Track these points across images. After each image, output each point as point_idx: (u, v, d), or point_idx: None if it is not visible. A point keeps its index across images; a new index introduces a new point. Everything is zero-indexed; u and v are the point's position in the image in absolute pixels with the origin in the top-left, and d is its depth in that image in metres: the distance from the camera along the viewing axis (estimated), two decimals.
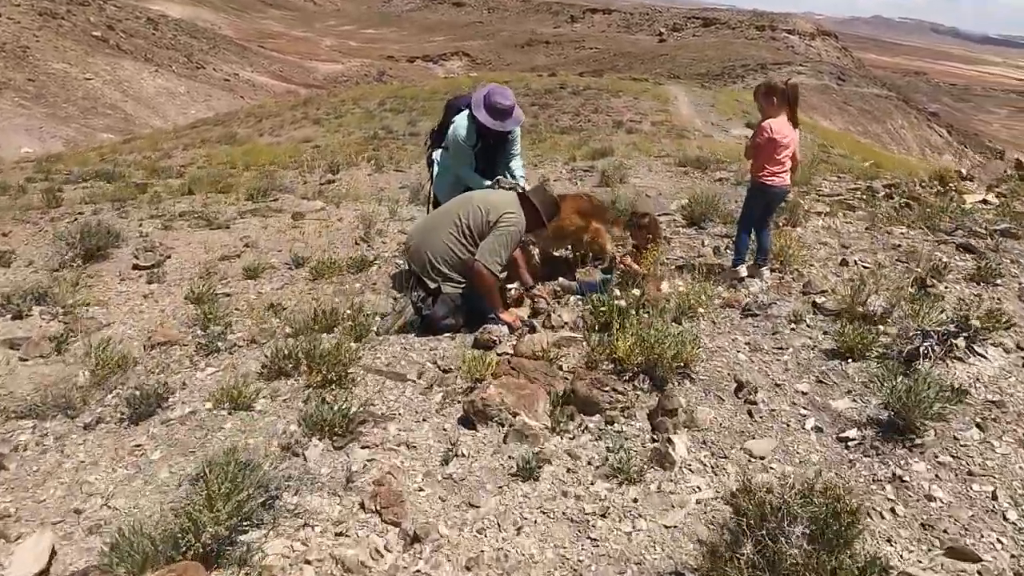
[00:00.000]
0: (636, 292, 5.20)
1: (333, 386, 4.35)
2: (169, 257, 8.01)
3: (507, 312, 5.24)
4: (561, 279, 6.26)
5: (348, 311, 5.66)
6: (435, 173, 6.39)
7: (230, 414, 4.15)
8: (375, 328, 5.30)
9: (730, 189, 11.30)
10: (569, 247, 6.74)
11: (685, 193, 12.32)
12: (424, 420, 4.04)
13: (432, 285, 5.20)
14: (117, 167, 19.51)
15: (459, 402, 4.16)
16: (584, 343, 4.78)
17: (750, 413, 4.03)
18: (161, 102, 50.32)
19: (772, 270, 5.86)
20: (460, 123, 6.05)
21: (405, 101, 28.92)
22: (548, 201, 5.47)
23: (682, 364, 4.29)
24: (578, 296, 5.92)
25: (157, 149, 24.11)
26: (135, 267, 7.76)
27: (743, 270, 5.89)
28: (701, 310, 5.16)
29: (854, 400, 4.11)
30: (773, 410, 4.07)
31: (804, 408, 4.09)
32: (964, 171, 12.93)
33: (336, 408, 3.87)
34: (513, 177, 6.14)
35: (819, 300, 5.20)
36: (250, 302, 6.47)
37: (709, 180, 13.06)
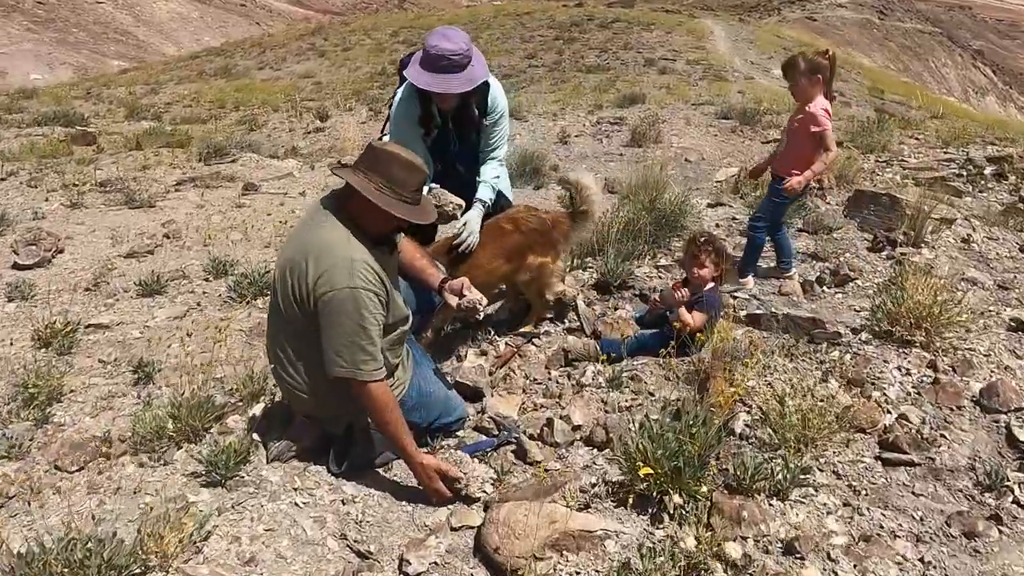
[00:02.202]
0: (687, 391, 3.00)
1: None
2: (61, 252, 5.88)
3: (426, 461, 2.78)
4: (570, 338, 4.06)
5: (240, 395, 3.55)
6: None
7: None
8: (266, 451, 3.13)
9: None
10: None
11: (734, 158, 9.95)
12: None
13: (332, 428, 3.03)
14: (92, 103, 17.31)
15: None
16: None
17: None
18: (174, 28, 47.34)
19: (911, 343, 3.57)
20: (398, 96, 3.82)
21: (419, 32, 26.02)
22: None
23: None
24: (597, 364, 3.75)
25: (149, 82, 21.75)
26: (15, 266, 5.66)
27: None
28: (815, 460, 2.93)
29: None
30: None
31: None
32: None
33: None
34: (475, 188, 3.87)
35: (1019, 430, 2.96)
36: (120, 347, 4.34)
37: (760, 140, 10.61)
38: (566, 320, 4.30)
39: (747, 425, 3.10)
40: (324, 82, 19.78)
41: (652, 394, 3.48)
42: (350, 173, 2.70)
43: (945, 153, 9.04)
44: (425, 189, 3.77)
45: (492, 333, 4.06)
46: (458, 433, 3.26)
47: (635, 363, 3.79)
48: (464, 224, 3.75)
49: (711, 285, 3.78)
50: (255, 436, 3.15)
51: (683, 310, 3.68)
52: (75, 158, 8.89)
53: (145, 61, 37.63)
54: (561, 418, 3.28)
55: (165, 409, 3.25)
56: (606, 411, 3.39)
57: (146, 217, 6.65)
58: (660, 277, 4.67)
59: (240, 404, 3.57)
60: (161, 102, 17.62)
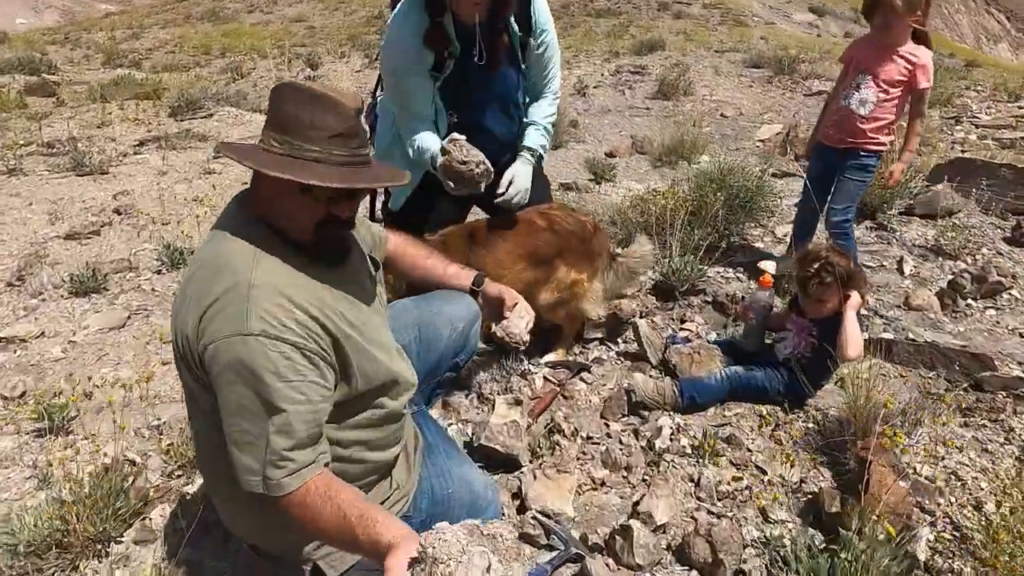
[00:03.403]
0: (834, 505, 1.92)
1: None
2: None
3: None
4: (637, 376, 2.89)
5: (180, 459, 2.47)
6: (377, 132, 2.97)
7: None
8: None
9: None
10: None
11: (775, 113, 8.69)
12: None
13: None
14: (69, 48, 15.89)
15: None
16: None
17: None
18: None
19: None
20: (397, 16, 2.59)
21: None
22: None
23: None
24: (674, 416, 2.67)
25: (132, 27, 20.16)
26: None
27: None
28: None
29: None
30: None
31: None
32: None
33: None
34: (508, 161, 2.75)
35: None
36: (32, 373, 3.23)
37: (802, 92, 9.32)
38: (620, 341, 3.19)
39: (932, 547, 2.01)
40: (317, 26, 18.22)
41: (763, 471, 2.40)
42: (238, 147, 1.55)
43: (1020, 108, 7.81)
44: (421, 142, 2.63)
45: (524, 362, 2.95)
46: None
47: (726, 412, 2.71)
48: (510, 180, 2.65)
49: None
50: (188, 552, 2.07)
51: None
52: (27, 112, 7.63)
53: (132, 4, 35.60)
54: (639, 516, 2.20)
55: (55, 507, 2.16)
56: (699, 500, 2.31)
57: (95, 187, 5.45)
58: (738, 278, 3.54)
59: (179, 474, 2.50)
60: (142, 48, 16.15)
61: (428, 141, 2.61)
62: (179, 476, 2.49)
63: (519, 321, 2.16)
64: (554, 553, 2.08)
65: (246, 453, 1.44)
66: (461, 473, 2.03)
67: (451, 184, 2.57)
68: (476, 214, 3.06)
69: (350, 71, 11.27)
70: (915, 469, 2.32)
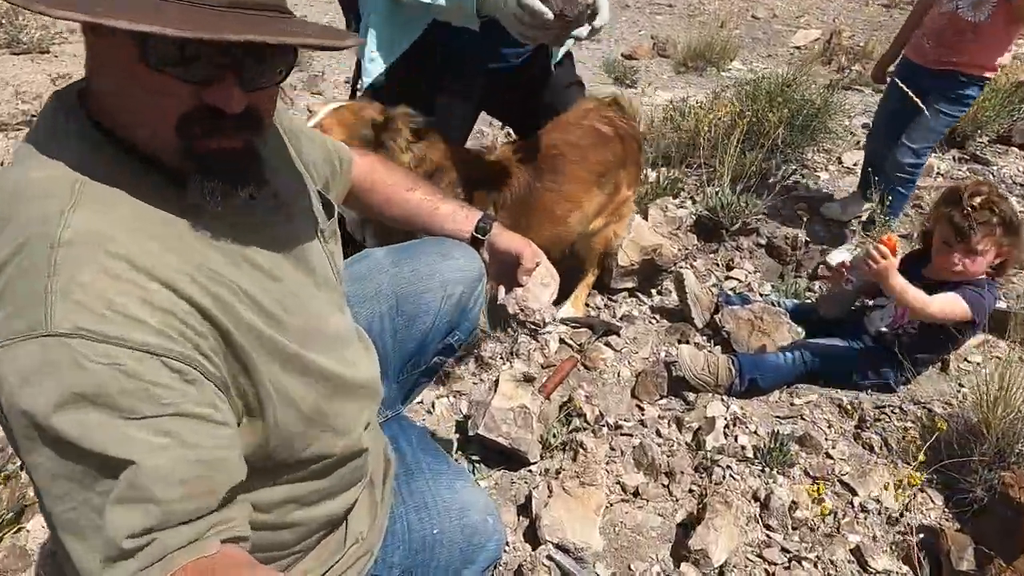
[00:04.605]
0: None
1: None
2: None
3: None
4: (683, 348, 2.13)
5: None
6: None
7: None
8: None
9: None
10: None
11: (812, 17, 7.68)
12: None
13: None
14: None
15: None
16: None
17: None
18: None
19: None
20: None
21: None
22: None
23: None
24: (729, 403, 2.04)
25: None
26: None
27: None
28: None
29: None
30: None
31: None
32: None
33: None
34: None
35: None
36: None
37: None
38: (654, 292, 2.53)
39: None
40: None
41: (851, 490, 1.78)
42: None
43: None
44: None
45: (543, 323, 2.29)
46: None
47: (795, 400, 2.08)
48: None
49: (982, 278, 1.98)
50: None
51: (910, 293, 1.89)
52: None
53: None
54: (689, 554, 1.60)
55: None
56: (768, 531, 1.70)
57: (33, 68, 4.61)
58: (799, 215, 2.83)
59: None
60: None
61: None
62: None
63: (541, 291, 1.48)
64: None
65: (79, 540, 0.77)
66: (451, 501, 1.39)
67: (545, 16, 1.45)
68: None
69: None
70: None
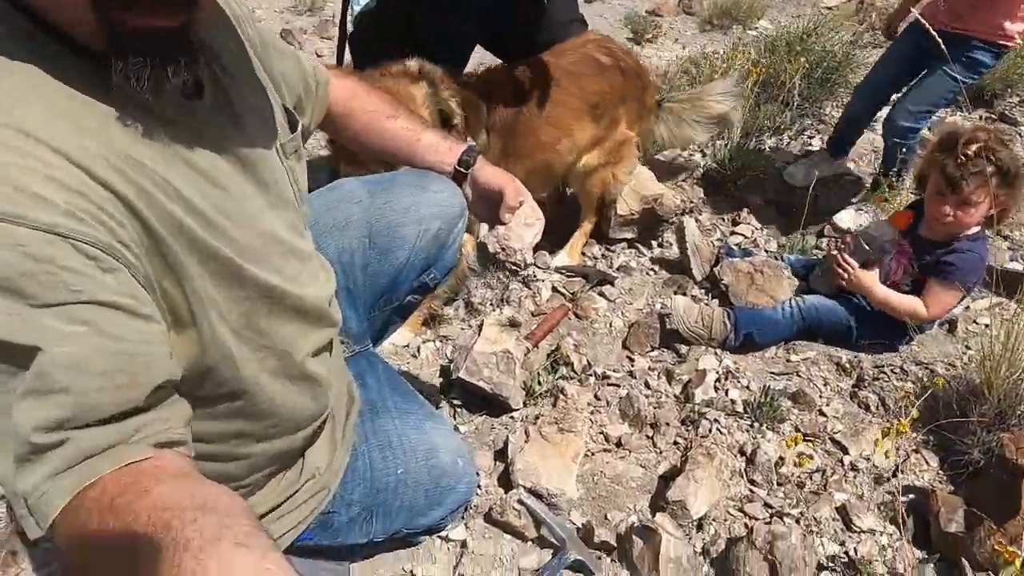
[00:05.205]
0: None
1: None
2: None
3: None
4: (678, 299, 2.08)
5: None
6: None
7: None
8: None
9: None
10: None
11: None
12: None
13: None
14: None
15: None
16: None
17: None
18: None
19: None
20: None
21: None
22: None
23: None
24: (723, 356, 1.97)
25: None
26: None
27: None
28: None
29: None
30: None
31: None
32: None
33: None
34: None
35: None
36: None
37: None
38: (655, 244, 2.44)
39: None
40: None
41: (843, 448, 1.72)
42: None
43: None
44: None
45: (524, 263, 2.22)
46: (450, 534, 1.54)
47: (791, 356, 2.00)
48: None
49: (976, 230, 1.88)
50: None
51: (893, 301, 1.82)
52: None
53: None
54: (667, 505, 1.54)
55: None
56: (752, 485, 1.64)
57: None
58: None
59: None
60: None
61: None
62: None
63: (524, 231, 1.40)
64: (545, 562, 1.45)
65: None
66: (419, 441, 1.33)
67: None
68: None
69: None
70: None
